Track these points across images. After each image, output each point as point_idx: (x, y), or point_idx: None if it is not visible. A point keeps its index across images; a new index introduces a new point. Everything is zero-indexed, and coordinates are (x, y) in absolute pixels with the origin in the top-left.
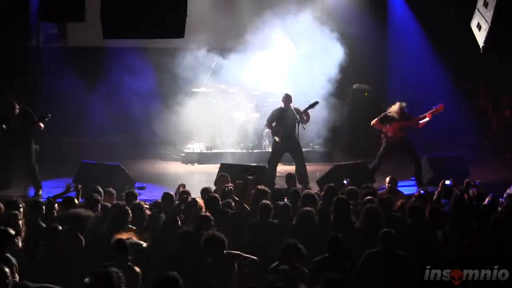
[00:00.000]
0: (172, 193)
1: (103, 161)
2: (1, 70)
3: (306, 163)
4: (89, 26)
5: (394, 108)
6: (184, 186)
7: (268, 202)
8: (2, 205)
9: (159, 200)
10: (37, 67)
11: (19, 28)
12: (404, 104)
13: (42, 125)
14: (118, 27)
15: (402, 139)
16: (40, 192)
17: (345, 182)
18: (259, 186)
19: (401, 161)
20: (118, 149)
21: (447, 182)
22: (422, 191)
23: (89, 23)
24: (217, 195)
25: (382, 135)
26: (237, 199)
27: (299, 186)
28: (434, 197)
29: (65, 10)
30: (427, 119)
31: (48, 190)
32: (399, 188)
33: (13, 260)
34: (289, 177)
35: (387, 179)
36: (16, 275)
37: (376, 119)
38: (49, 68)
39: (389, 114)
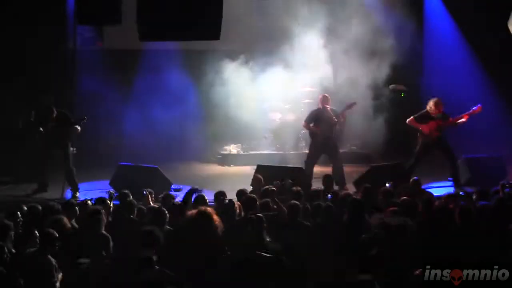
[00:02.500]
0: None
1: (140, 163)
2: (38, 72)
3: (343, 164)
4: (125, 29)
5: (430, 105)
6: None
7: (296, 202)
8: (40, 208)
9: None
10: (74, 69)
11: (56, 30)
12: (436, 99)
13: (78, 128)
14: (154, 30)
15: (439, 138)
16: (77, 195)
17: (387, 185)
18: (294, 188)
19: (439, 161)
20: (154, 151)
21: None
22: (461, 192)
23: (125, 26)
24: (254, 196)
25: (418, 134)
26: (277, 201)
27: (336, 187)
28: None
29: (102, 13)
30: (463, 120)
31: (85, 192)
32: (435, 189)
33: (53, 261)
34: (326, 178)
35: (410, 181)
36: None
37: (412, 117)
38: (86, 70)
39: (426, 112)
